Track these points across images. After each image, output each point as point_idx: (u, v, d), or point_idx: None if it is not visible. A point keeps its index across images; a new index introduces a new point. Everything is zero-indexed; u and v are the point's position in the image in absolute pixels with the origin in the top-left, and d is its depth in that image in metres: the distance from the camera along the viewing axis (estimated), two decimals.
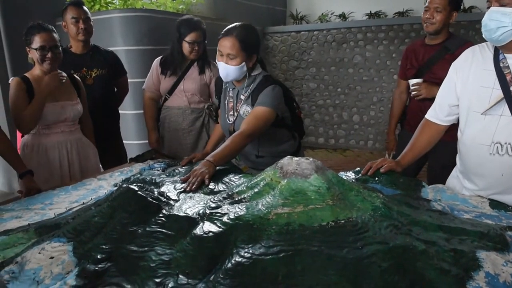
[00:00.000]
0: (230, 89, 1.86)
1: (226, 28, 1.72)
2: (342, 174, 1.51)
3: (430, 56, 2.11)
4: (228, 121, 1.87)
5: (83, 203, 1.42)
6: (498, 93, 1.28)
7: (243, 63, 1.70)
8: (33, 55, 1.90)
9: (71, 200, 1.52)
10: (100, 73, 2.43)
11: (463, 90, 1.40)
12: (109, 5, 4.04)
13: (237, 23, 1.73)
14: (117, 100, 2.75)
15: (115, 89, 2.71)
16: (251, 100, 1.77)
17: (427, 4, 2.05)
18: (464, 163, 1.44)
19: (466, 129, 1.40)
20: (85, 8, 2.38)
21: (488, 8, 1.28)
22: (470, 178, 1.42)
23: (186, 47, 2.42)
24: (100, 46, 2.59)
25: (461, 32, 4.30)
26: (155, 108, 2.63)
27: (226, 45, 1.68)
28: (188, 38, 2.39)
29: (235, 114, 1.84)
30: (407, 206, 1.13)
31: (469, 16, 4.35)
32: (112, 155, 2.53)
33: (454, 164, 1.57)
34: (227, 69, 1.71)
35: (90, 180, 1.76)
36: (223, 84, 1.92)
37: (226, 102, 1.89)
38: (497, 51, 1.32)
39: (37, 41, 1.86)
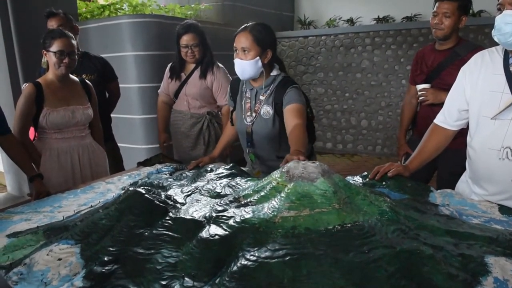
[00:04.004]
0: (248, 90, 1.87)
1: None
2: (350, 179, 1.50)
3: (440, 62, 2.09)
4: (246, 122, 1.87)
5: (91, 206, 1.44)
6: (508, 97, 1.27)
7: (257, 57, 1.72)
8: (50, 58, 1.94)
9: (79, 203, 1.53)
10: (89, 78, 2.46)
11: (473, 94, 1.38)
12: (119, 11, 4.09)
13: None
14: (109, 105, 2.79)
15: (107, 94, 2.76)
16: (273, 100, 1.78)
17: (435, 9, 2.02)
18: (473, 168, 1.43)
19: (475, 134, 1.38)
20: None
21: (499, 11, 1.26)
22: (480, 183, 1.41)
23: (181, 51, 2.47)
24: (90, 52, 2.67)
25: (470, 37, 4.27)
26: (167, 111, 2.73)
27: (240, 40, 1.72)
28: (181, 41, 2.44)
29: (254, 114, 1.84)
30: (414, 210, 1.13)
31: (478, 20, 4.32)
32: (108, 157, 2.55)
33: (463, 171, 1.56)
34: (242, 65, 1.73)
35: (98, 183, 1.78)
36: (240, 86, 1.93)
37: (243, 103, 1.89)
38: (506, 55, 1.31)
39: (56, 45, 1.91)
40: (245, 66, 1.72)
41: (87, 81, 2.22)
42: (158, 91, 2.76)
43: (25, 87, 1.98)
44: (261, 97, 1.81)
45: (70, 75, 2.09)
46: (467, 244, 0.96)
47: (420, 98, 2.13)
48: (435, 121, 1.55)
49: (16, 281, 0.92)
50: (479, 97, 1.36)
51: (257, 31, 1.71)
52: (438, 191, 1.46)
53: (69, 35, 1.97)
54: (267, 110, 1.80)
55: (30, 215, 1.41)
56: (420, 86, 2.13)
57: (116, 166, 2.72)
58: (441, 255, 0.87)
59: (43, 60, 2.00)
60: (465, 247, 0.94)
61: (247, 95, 1.87)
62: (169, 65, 2.66)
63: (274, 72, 1.82)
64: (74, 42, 1.98)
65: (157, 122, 2.83)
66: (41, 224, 1.28)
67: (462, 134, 1.51)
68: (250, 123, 1.84)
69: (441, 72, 2.08)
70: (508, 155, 1.28)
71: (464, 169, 1.55)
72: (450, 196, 1.41)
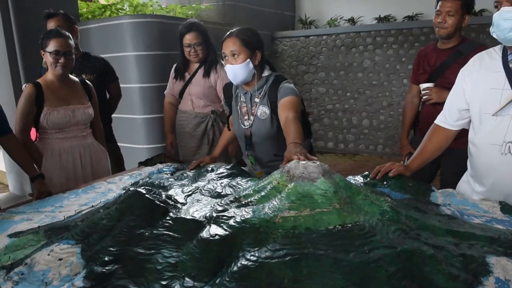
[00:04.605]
0: (241, 94, 1.87)
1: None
2: (350, 178, 1.50)
3: (443, 61, 2.08)
4: (243, 126, 1.86)
5: (92, 206, 1.44)
6: (509, 93, 1.28)
7: (248, 60, 1.72)
8: (47, 58, 1.94)
9: (80, 203, 1.53)
10: (88, 78, 2.46)
11: (473, 94, 1.39)
12: (120, 11, 4.09)
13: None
14: (109, 105, 2.78)
15: (108, 95, 2.76)
16: (268, 99, 1.78)
17: (438, 8, 2.02)
18: (475, 165, 1.43)
19: (477, 131, 1.39)
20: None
21: (496, 8, 1.27)
22: (481, 180, 1.41)
23: (185, 50, 2.47)
24: (90, 53, 2.67)
25: (471, 36, 4.26)
26: (174, 112, 2.73)
27: (228, 45, 1.72)
28: (184, 40, 2.45)
29: (251, 118, 1.83)
30: (415, 210, 1.12)
31: (480, 20, 4.30)
32: (109, 157, 2.54)
33: (466, 171, 1.56)
34: (234, 69, 1.73)
35: (100, 183, 1.78)
36: (234, 90, 1.93)
37: (238, 107, 1.89)
38: (505, 52, 1.32)
39: (52, 45, 1.90)
40: (237, 70, 1.72)
41: (87, 81, 2.22)
42: (165, 92, 2.76)
43: (25, 87, 1.98)
44: (256, 99, 1.81)
45: (70, 75, 2.09)
46: (469, 244, 0.95)
47: (424, 97, 2.12)
48: (436, 121, 1.56)
49: (17, 281, 0.92)
50: (480, 96, 1.37)
51: (243, 34, 1.72)
52: (440, 190, 1.46)
53: (66, 35, 1.96)
54: (263, 110, 1.80)
55: (31, 215, 1.41)
56: (423, 85, 2.12)
57: (117, 166, 2.73)
58: (442, 255, 0.86)
59: (44, 59, 2.01)
60: (466, 247, 0.94)
61: (241, 99, 1.87)
62: (174, 65, 2.67)
63: (265, 73, 1.82)
64: (71, 42, 1.97)
65: (164, 123, 2.83)
66: (42, 224, 1.29)
67: (465, 134, 1.51)
68: (248, 127, 1.84)
69: (444, 71, 2.07)
70: (510, 149, 1.29)
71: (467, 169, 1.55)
72: (452, 196, 1.40)
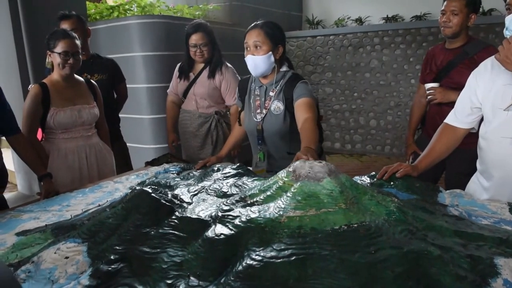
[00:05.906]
0: (257, 87, 1.87)
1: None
2: (357, 178, 1.49)
3: (449, 61, 2.07)
4: (255, 119, 1.86)
5: (99, 205, 1.45)
6: None
7: (270, 52, 1.74)
8: (54, 59, 1.95)
9: (87, 202, 1.54)
10: (101, 77, 2.50)
11: (486, 93, 1.40)
12: (128, 12, 4.12)
13: None
14: (117, 105, 2.81)
15: (115, 95, 2.78)
16: (284, 95, 1.79)
17: (443, 7, 2.01)
18: (485, 159, 1.44)
19: (489, 125, 1.41)
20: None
21: (508, 10, 1.28)
22: (490, 174, 1.42)
23: (190, 50, 2.48)
24: (100, 54, 2.70)
25: (480, 35, 4.22)
26: (176, 111, 2.74)
27: (252, 36, 1.75)
28: (190, 40, 2.45)
29: (264, 111, 1.83)
30: (422, 211, 1.11)
31: (489, 19, 4.26)
32: (116, 155, 2.53)
33: (472, 172, 1.56)
34: (255, 60, 1.74)
35: (106, 182, 1.79)
36: (249, 85, 1.93)
37: (251, 101, 1.89)
38: None
39: (61, 46, 1.91)
40: (258, 61, 1.73)
41: (92, 80, 2.23)
42: (167, 91, 2.78)
43: (31, 88, 2.00)
44: (271, 93, 1.82)
45: (75, 75, 2.10)
46: (476, 245, 0.94)
47: (428, 97, 2.11)
48: (445, 120, 1.55)
49: (24, 279, 0.93)
50: (493, 93, 1.38)
51: (268, 27, 1.75)
52: (447, 191, 1.44)
53: (73, 35, 1.97)
54: (277, 106, 1.80)
55: (39, 214, 1.42)
56: (428, 85, 2.11)
57: (125, 165, 2.75)
58: (449, 256, 0.85)
59: (47, 60, 2.01)
60: (474, 248, 0.93)
61: (256, 92, 1.87)
62: (178, 65, 2.68)
63: (283, 68, 1.83)
64: (78, 42, 1.98)
65: (166, 122, 2.85)
66: (49, 223, 1.30)
67: (471, 134, 1.51)
68: (260, 120, 1.84)
69: (450, 71, 2.06)
70: None
71: (472, 169, 1.54)
72: (460, 197, 1.39)
